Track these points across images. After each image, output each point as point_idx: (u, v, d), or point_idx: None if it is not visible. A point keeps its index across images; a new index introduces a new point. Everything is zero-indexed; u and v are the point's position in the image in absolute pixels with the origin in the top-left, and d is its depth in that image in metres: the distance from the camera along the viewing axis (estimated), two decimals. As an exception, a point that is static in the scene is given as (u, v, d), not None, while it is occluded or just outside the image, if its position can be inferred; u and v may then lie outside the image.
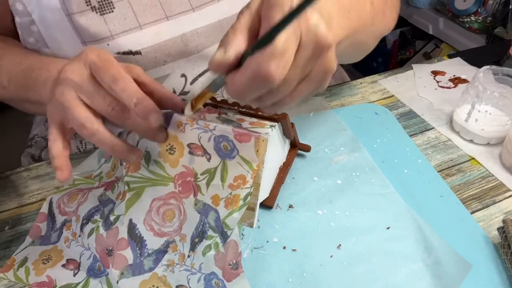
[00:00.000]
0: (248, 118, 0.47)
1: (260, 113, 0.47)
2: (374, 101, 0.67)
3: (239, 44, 0.30)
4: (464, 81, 0.71)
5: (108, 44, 0.49)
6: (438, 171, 0.55)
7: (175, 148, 0.43)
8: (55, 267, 0.43)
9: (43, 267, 0.43)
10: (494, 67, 0.60)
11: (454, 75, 0.73)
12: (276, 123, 0.46)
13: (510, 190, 0.53)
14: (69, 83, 0.36)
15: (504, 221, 0.44)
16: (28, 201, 0.51)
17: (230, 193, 0.40)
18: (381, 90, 0.70)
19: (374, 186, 0.52)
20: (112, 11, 0.48)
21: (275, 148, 0.48)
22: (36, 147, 0.70)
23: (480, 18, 1.36)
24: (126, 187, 0.42)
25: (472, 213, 0.50)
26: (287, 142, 0.53)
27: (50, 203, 0.47)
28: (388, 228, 0.47)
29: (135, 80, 0.37)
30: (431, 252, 0.45)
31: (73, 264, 0.43)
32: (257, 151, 0.41)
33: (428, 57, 1.63)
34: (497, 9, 1.31)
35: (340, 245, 0.46)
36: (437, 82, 0.71)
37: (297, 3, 0.26)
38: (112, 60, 0.37)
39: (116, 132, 0.58)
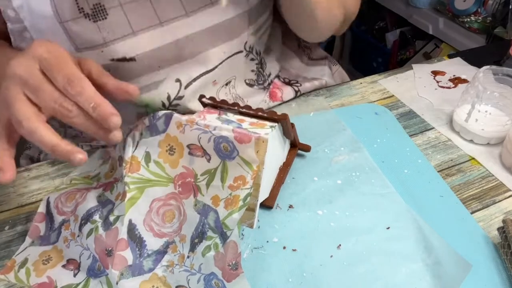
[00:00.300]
0: (248, 119, 0.47)
1: (260, 113, 0.47)
2: (374, 101, 0.67)
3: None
4: (464, 81, 0.71)
5: (102, 51, 0.48)
6: (438, 171, 0.55)
7: (175, 148, 0.43)
8: (56, 268, 0.43)
9: (44, 268, 0.43)
10: (494, 67, 0.60)
11: (454, 75, 0.73)
12: (276, 124, 0.46)
13: (510, 190, 0.53)
14: (15, 77, 0.35)
15: (504, 221, 0.44)
16: (28, 201, 0.51)
17: (230, 194, 0.40)
18: (381, 90, 0.70)
19: (374, 186, 0.52)
20: (106, 18, 0.47)
21: (275, 148, 0.48)
22: (35, 148, 0.70)
23: (480, 18, 1.36)
24: (126, 188, 0.42)
25: (472, 213, 0.50)
26: (287, 142, 0.53)
27: (48, 202, 0.47)
28: (388, 228, 0.47)
29: (88, 77, 0.36)
30: (431, 252, 0.45)
31: (73, 264, 0.43)
32: (257, 152, 0.41)
33: (428, 57, 1.63)
34: (497, 9, 1.31)
35: (340, 245, 0.46)
36: (437, 82, 0.71)
37: None
38: (64, 57, 0.36)
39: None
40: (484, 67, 0.60)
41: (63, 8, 0.46)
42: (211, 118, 0.45)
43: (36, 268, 0.43)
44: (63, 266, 0.43)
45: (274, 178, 0.51)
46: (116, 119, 0.35)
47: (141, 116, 0.59)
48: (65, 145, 0.35)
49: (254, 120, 0.47)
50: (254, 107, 0.63)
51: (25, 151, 0.71)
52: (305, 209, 0.49)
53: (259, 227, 0.47)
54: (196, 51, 0.53)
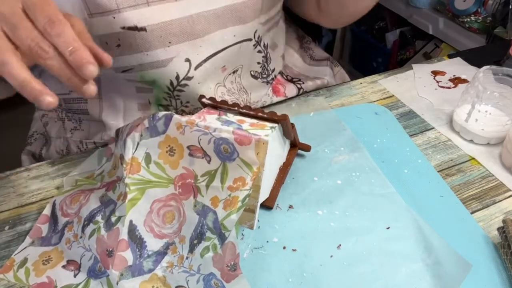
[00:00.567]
0: (248, 119, 0.47)
1: (260, 114, 0.47)
2: (374, 101, 0.67)
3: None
4: (464, 81, 0.71)
5: (114, 17, 0.48)
6: (438, 171, 0.55)
7: (175, 150, 0.43)
8: (55, 268, 0.43)
9: (43, 268, 0.43)
10: (494, 67, 0.60)
11: (454, 75, 0.73)
12: (276, 124, 0.46)
13: (510, 190, 0.53)
14: None
15: (504, 221, 0.44)
16: (28, 201, 0.51)
17: (229, 195, 0.40)
18: (381, 90, 0.70)
19: (374, 186, 0.52)
20: None
21: (275, 149, 0.48)
22: (36, 144, 0.70)
23: (480, 18, 1.36)
24: (127, 189, 0.42)
25: (472, 213, 0.50)
26: (287, 142, 0.53)
27: (53, 205, 0.47)
28: (388, 228, 0.47)
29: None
30: (431, 252, 0.45)
31: (73, 265, 0.43)
32: (257, 153, 0.41)
33: (428, 57, 1.63)
34: (497, 9, 1.31)
35: (340, 245, 0.46)
36: (437, 82, 0.71)
37: None
38: (49, 1, 0.35)
39: (113, 127, 0.58)
40: (484, 67, 0.60)
41: None
42: (211, 119, 0.45)
43: (35, 268, 0.43)
44: (63, 266, 0.43)
45: (274, 178, 0.51)
46: (92, 67, 0.34)
47: (141, 106, 0.59)
48: (35, 84, 0.34)
49: (254, 120, 0.47)
50: (257, 101, 0.64)
51: (27, 147, 0.71)
52: (305, 209, 0.49)
53: (259, 227, 0.47)
54: (208, 29, 0.53)
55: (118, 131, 0.49)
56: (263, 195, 0.47)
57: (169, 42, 0.52)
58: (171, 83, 0.55)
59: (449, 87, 0.70)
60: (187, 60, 0.54)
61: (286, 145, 0.53)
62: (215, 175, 0.42)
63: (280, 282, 0.42)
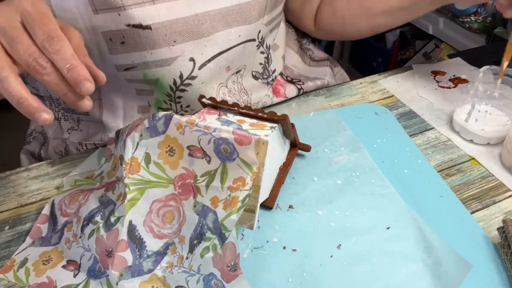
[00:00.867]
0: (248, 119, 0.47)
1: (260, 114, 0.47)
2: (374, 101, 0.67)
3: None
4: (464, 81, 0.71)
5: (119, 14, 0.48)
6: (438, 171, 0.55)
7: (174, 150, 0.43)
8: (55, 268, 0.43)
9: (43, 268, 0.43)
10: (494, 67, 0.60)
11: (454, 75, 0.73)
12: (276, 124, 0.46)
13: (510, 190, 0.53)
14: None
15: (504, 221, 0.44)
16: (28, 201, 0.51)
17: (229, 195, 0.40)
18: (381, 90, 0.70)
19: (374, 186, 0.52)
20: None
21: (275, 149, 0.48)
22: (34, 143, 0.70)
23: (480, 18, 1.36)
24: (127, 189, 0.42)
25: (472, 213, 0.50)
26: (287, 142, 0.53)
27: (52, 204, 0.47)
28: (388, 228, 0.47)
29: None
30: (431, 252, 0.45)
31: (73, 265, 0.43)
32: (257, 154, 0.41)
33: (428, 57, 1.63)
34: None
35: (340, 245, 0.46)
36: (437, 82, 0.71)
37: None
38: (48, 15, 0.35)
39: (113, 129, 0.58)
40: (484, 67, 0.60)
41: None
42: (211, 119, 0.45)
43: (35, 268, 0.43)
44: (63, 266, 0.43)
45: (274, 179, 0.51)
46: (88, 85, 0.34)
47: (142, 109, 0.59)
48: (32, 101, 0.34)
49: (254, 120, 0.47)
50: (257, 102, 0.64)
51: (25, 146, 0.71)
52: (305, 209, 0.49)
53: (259, 227, 0.47)
54: (213, 29, 0.53)
55: (118, 132, 0.49)
56: (263, 195, 0.47)
57: (174, 41, 0.52)
58: (174, 82, 0.55)
59: (449, 87, 0.70)
60: (192, 59, 0.54)
61: (286, 145, 0.53)
62: (215, 175, 0.42)
63: (280, 282, 0.42)
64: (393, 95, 0.69)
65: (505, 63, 0.57)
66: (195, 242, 0.41)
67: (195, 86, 0.56)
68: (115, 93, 0.58)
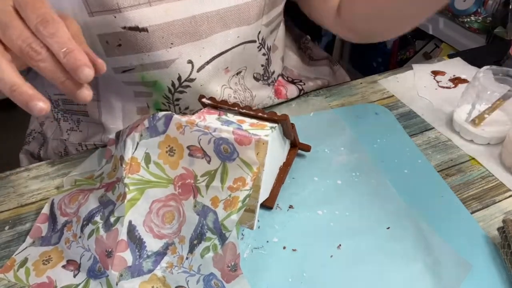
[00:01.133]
0: (248, 119, 0.47)
1: (260, 114, 0.47)
2: (374, 101, 0.67)
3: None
4: (464, 81, 0.71)
5: (115, 17, 0.47)
6: (438, 171, 0.55)
7: (174, 150, 0.43)
8: (55, 268, 0.43)
9: (43, 268, 0.43)
10: (494, 67, 0.60)
11: (454, 75, 0.73)
12: (276, 124, 0.46)
13: (510, 190, 0.53)
14: None
15: (504, 221, 0.44)
16: (28, 201, 0.51)
17: (229, 195, 0.40)
18: (381, 90, 0.70)
19: (374, 186, 0.52)
20: None
21: (275, 149, 0.48)
22: (34, 144, 0.70)
23: (480, 18, 1.36)
24: (126, 189, 0.42)
25: (472, 213, 0.50)
26: (287, 142, 0.53)
27: (52, 204, 0.47)
28: (388, 228, 0.47)
29: None
30: (431, 252, 0.45)
31: (73, 265, 0.43)
32: (257, 153, 0.41)
33: (428, 57, 1.63)
34: (497, 9, 1.31)
35: (340, 245, 0.46)
36: (437, 82, 0.71)
37: None
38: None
39: (113, 130, 0.58)
40: (484, 67, 0.60)
41: None
42: (211, 119, 0.45)
43: (36, 268, 0.43)
44: (63, 266, 0.43)
45: (274, 178, 0.51)
46: (87, 71, 0.32)
47: (140, 110, 0.59)
48: (26, 88, 0.32)
49: (254, 120, 0.47)
50: (260, 102, 0.64)
51: (24, 146, 0.71)
52: (305, 209, 0.49)
53: (259, 227, 0.47)
54: (211, 30, 0.52)
55: (118, 134, 0.49)
56: (263, 195, 0.47)
57: (171, 43, 0.51)
58: (173, 84, 0.55)
59: (449, 87, 0.70)
60: (190, 61, 0.53)
61: (286, 145, 0.53)
62: (215, 175, 0.42)
63: (280, 282, 0.42)
64: (393, 95, 0.69)
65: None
66: (195, 242, 0.41)
67: (193, 88, 0.55)
68: (114, 95, 0.58)
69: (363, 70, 1.90)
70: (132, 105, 0.58)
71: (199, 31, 0.52)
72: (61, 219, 0.45)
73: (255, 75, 0.64)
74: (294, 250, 0.45)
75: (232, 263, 0.39)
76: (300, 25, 0.81)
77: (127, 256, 0.41)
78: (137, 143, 0.43)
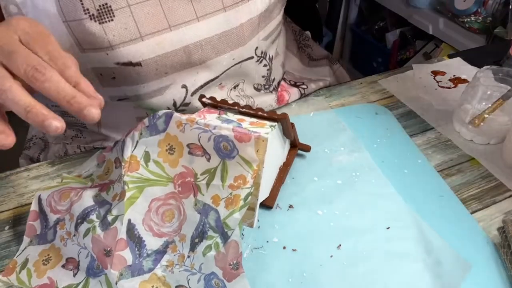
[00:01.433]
0: (248, 118, 0.47)
1: (260, 113, 0.47)
2: (374, 101, 0.67)
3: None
4: (464, 81, 0.71)
5: (107, 54, 0.47)
6: (438, 171, 0.55)
7: (174, 148, 0.43)
8: (56, 268, 0.43)
9: (44, 269, 0.43)
10: (494, 67, 0.60)
11: (454, 75, 0.73)
12: (276, 123, 0.46)
13: (510, 190, 0.53)
14: None
15: (504, 221, 0.45)
16: (28, 201, 0.51)
17: (231, 193, 0.40)
18: (381, 90, 0.70)
19: (374, 186, 0.52)
20: (112, 20, 0.45)
21: (275, 148, 0.48)
22: (34, 149, 0.70)
23: (480, 18, 1.36)
24: (126, 187, 0.42)
25: (472, 213, 0.50)
26: (287, 142, 0.53)
27: (39, 200, 0.47)
28: (388, 228, 0.47)
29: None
30: (431, 252, 0.45)
31: (72, 264, 0.43)
32: (257, 151, 0.41)
33: (428, 57, 1.63)
34: (497, 9, 1.31)
35: (340, 245, 0.46)
36: (437, 82, 0.71)
37: None
38: (47, 34, 0.34)
39: (113, 140, 0.58)
40: (484, 67, 0.60)
41: (68, 7, 0.44)
42: (211, 118, 0.45)
43: (37, 269, 0.43)
44: (63, 266, 0.43)
45: (274, 178, 0.51)
46: (99, 100, 0.33)
47: (140, 119, 0.59)
48: (40, 108, 0.32)
49: (254, 119, 0.47)
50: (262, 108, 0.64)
51: (24, 151, 0.71)
52: (305, 209, 0.49)
53: (259, 227, 0.47)
54: (205, 57, 0.52)
55: (116, 142, 0.49)
56: (263, 194, 0.47)
57: (166, 73, 0.51)
58: (168, 109, 0.55)
59: (449, 87, 0.70)
60: (184, 86, 0.53)
61: (286, 145, 0.53)
62: (215, 173, 0.42)
63: (280, 282, 0.42)
64: (393, 95, 0.69)
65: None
66: (196, 240, 0.41)
67: (190, 110, 0.55)
68: (112, 107, 0.58)
69: (363, 70, 1.91)
70: (131, 115, 0.58)
71: (193, 59, 0.51)
72: (52, 216, 0.45)
73: (255, 85, 0.63)
74: (294, 250, 0.45)
75: (234, 262, 0.39)
76: (300, 22, 0.81)
77: (127, 255, 0.41)
78: (137, 142, 0.43)
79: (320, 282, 0.42)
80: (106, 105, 0.57)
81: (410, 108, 0.66)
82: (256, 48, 0.57)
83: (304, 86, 0.69)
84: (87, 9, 0.44)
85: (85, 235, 0.42)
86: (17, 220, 0.48)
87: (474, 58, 0.76)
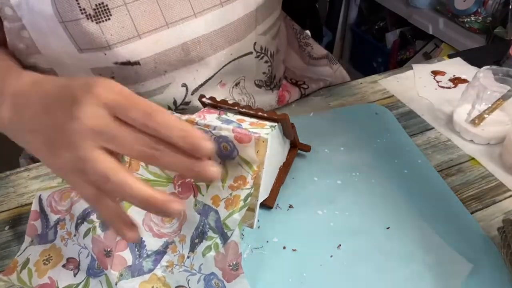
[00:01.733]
0: (248, 119, 0.47)
1: (260, 113, 0.47)
2: (374, 101, 0.67)
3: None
4: (464, 81, 0.71)
5: (105, 54, 0.47)
6: (438, 171, 0.55)
7: None
8: (56, 268, 0.43)
9: (45, 268, 0.43)
10: (494, 67, 0.60)
11: (454, 75, 0.73)
12: (276, 124, 0.46)
13: (510, 190, 0.53)
14: (84, 131, 0.29)
15: (504, 221, 0.44)
16: (28, 201, 0.51)
17: (231, 194, 0.40)
18: (381, 90, 0.70)
19: (374, 186, 0.52)
20: (109, 19, 0.45)
21: (275, 148, 0.48)
22: None
23: (480, 18, 1.36)
24: (126, 187, 0.42)
25: (472, 213, 0.50)
26: (287, 142, 0.53)
27: (40, 200, 0.47)
28: (388, 228, 0.47)
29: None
30: (431, 252, 0.45)
31: (73, 263, 0.43)
32: (257, 151, 0.41)
33: (428, 57, 1.63)
34: (497, 9, 1.31)
35: (340, 245, 0.46)
36: (437, 82, 0.71)
37: None
38: (133, 94, 0.31)
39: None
40: (484, 67, 0.60)
41: (64, 8, 0.44)
42: (211, 118, 0.45)
43: (37, 269, 0.43)
44: (63, 266, 0.43)
45: (274, 178, 0.51)
46: (208, 144, 0.29)
47: None
48: (159, 195, 0.29)
49: (254, 120, 0.47)
50: (262, 107, 0.64)
51: (25, 151, 0.70)
52: (305, 209, 0.49)
53: (259, 227, 0.47)
54: (203, 54, 0.52)
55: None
56: (263, 194, 0.47)
57: (165, 71, 0.51)
58: (169, 108, 0.55)
59: (449, 87, 0.70)
60: (184, 85, 0.53)
61: (286, 145, 0.53)
62: None
63: (280, 282, 0.42)
64: (393, 95, 0.69)
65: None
66: (196, 241, 0.41)
67: (190, 111, 0.55)
68: None
69: (363, 70, 1.91)
70: None
71: (192, 56, 0.51)
72: (52, 217, 0.45)
73: (256, 82, 0.63)
74: (294, 250, 0.45)
75: (234, 262, 0.39)
76: (299, 22, 0.81)
77: (127, 255, 0.41)
78: None
79: (320, 282, 0.42)
80: None
81: (410, 108, 0.66)
82: (255, 43, 0.57)
83: (305, 86, 0.68)
84: (84, 9, 0.44)
85: (85, 235, 0.42)
86: (17, 220, 0.48)
87: (474, 58, 0.76)
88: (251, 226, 0.45)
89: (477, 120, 0.58)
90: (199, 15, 0.50)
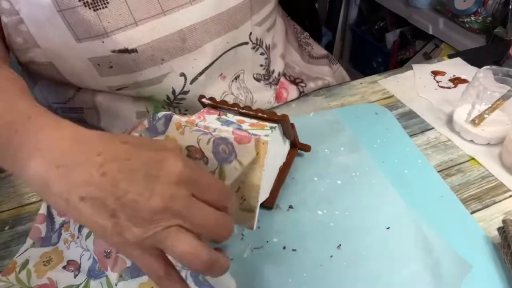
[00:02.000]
0: (248, 119, 0.47)
1: (260, 114, 0.47)
2: (374, 101, 0.67)
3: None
4: (464, 81, 0.71)
5: (103, 42, 0.47)
6: (438, 171, 0.55)
7: None
8: (56, 269, 0.43)
9: (44, 270, 0.43)
10: (494, 67, 0.60)
11: (454, 75, 0.73)
12: (276, 124, 0.46)
13: (510, 190, 0.53)
14: (169, 212, 0.29)
15: (504, 221, 0.44)
16: (28, 201, 0.51)
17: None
18: (381, 90, 0.70)
19: (374, 186, 0.52)
20: (106, 7, 0.46)
21: (275, 149, 0.48)
22: None
23: (480, 18, 1.36)
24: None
25: (472, 213, 0.50)
26: (287, 142, 0.53)
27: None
28: (388, 228, 0.47)
29: None
30: (431, 252, 0.45)
31: (73, 266, 0.43)
32: (257, 153, 0.40)
33: (428, 57, 1.63)
34: (497, 9, 1.31)
35: (340, 245, 0.46)
36: (437, 82, 0.71)
37: None
38: (201, 168, 0.32)
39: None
40: (484, 67, 0.60)
41: None
42: (211, 119, 0.45)
43: (37, 270, 0.43)
44: (64, 267, 0.43)
45: (274, 179, 0.51)
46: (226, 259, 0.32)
47: (140, 114, 0.59)
48: (220, 257, 0.31)
49: (254, 121, 0.47)
50: (261, 105, 0.64)
51: None
52: (305, 209, 0.49)
53: (259, 227, 0.47)
54: (199, 42, 0.52)
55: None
56: (263, 195, 0.47)
57: (162, 60, 0.51)
58: (168, 97, 0.55)
59: (449, 87, 0.70)
60: (182, 74, 0.53)
61: (286, 145, 0.53)
62: None
63: (280, 282, 0.42)
64: (393, 95, 0.69)
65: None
66: None
67: (189, 100, 0.56)
68: (112, 102, 0.58)
69: (363, 70, 1.91)
70: (131, 110, 0.58)
71: (188, 44, 0.52)
72: (58, 219, 0.45)
73: (255, 75, 0.63)
74: (294, 250, 0.45)
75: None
76: (299, 22, 0.81)
77: (127, 256, 0.41)
78: None
79: (320, 282, 0.42)
80: (105, 98, 0.57)
81: (410, 108, 0.66)
82: (251, 33, 0.58)
83: (303, 84, 0.69)
84: None
85: (87, 237, 0.42)
86: (17, 220, 0.49)
87: (474, 58, 0.76)
88: (251, 228, 0.45)
89: (477, 120, 0.58)
90: (194, 2, 0.50)
